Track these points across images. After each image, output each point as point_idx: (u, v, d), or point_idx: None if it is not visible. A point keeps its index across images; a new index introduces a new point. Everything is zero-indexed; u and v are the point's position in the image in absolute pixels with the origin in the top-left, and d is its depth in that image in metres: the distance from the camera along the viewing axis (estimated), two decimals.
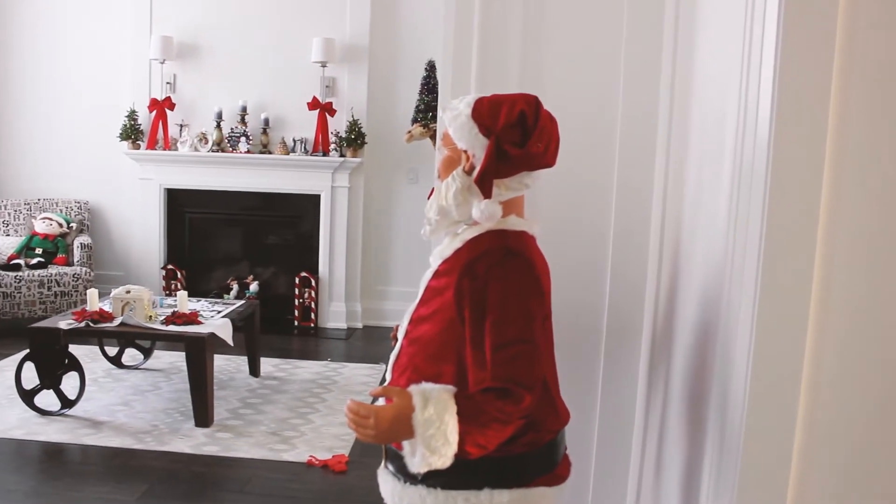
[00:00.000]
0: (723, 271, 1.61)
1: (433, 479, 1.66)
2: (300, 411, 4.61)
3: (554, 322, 1.77)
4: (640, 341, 2.30)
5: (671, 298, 2.08)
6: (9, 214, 6.57)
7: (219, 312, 4.72)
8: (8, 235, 6.48)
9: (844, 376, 1.40)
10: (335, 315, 6.67)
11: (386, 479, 1.79)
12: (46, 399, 4.40)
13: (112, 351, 5.36)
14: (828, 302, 1.38)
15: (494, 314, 1.59)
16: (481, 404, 1.55)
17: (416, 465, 1.54)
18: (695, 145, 1.97)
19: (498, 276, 1.60)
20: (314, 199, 6.62)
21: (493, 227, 1.68)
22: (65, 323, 4.32)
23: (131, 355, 5.43)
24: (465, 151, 1.68)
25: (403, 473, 1.72)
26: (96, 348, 5.35)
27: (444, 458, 1.51)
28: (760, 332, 1.39)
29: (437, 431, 1.50)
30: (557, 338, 1.80)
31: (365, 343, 6.34)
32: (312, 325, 6.63)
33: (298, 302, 6.63)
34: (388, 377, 1.81)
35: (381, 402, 1.65)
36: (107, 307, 4.50)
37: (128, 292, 4.44)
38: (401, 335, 1.80)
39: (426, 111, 6.09)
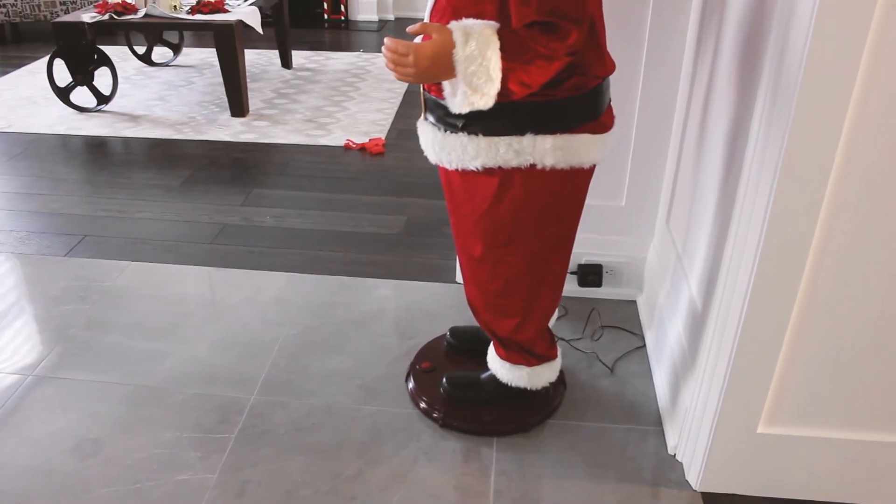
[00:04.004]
0: None
1: (474, 125, 1.61)
2: (335, 99, 4.57)
3: None
4: None
5: None
6: None
7: (245, 1, 4.54)
8: None
9: None
10: (365, 6, 6.42)
11: (426, 131, 1.75)
12: (82, 96, 4.40)
13: (141, 49, 5.27)
14: None
15: None
16: (525, 40, 1.45)
17: (458, 106, 1.48)
18: None
19: None
20: None
21: None
22: (88, 16, 4.19)
23: (161, 53, 5.34)
24: None
25: (444, 123, 1.67)
26: (125, 48, 5.26)
27: (486, 96, 1.44)
28: None
29: (480, 68, 1.42)
30: None
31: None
32: (343, 17, 6.41)
33: None
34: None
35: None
36: None
37: None
38: None
39: None
